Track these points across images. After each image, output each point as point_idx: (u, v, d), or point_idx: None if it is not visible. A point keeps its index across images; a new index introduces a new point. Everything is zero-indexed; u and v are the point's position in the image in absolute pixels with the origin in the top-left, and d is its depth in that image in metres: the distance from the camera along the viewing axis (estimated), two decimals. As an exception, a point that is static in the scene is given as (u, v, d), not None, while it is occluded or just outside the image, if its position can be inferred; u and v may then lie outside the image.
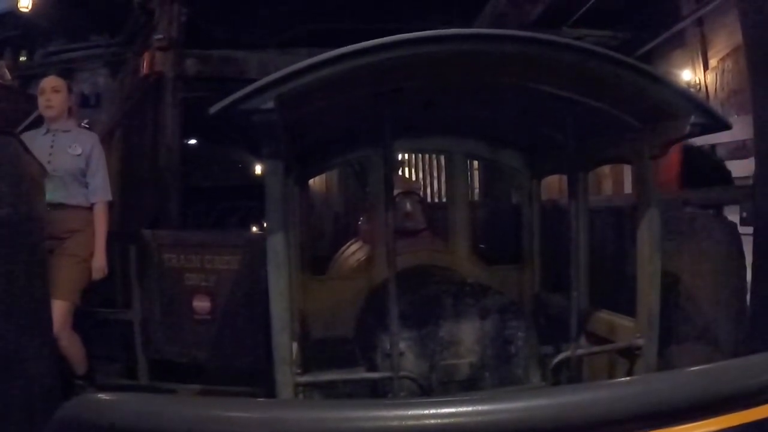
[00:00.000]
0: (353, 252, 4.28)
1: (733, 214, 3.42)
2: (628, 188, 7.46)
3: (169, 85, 6.97)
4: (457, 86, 2.66)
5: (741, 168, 5.93)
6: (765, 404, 1.06)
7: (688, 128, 2.29)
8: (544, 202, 3.98)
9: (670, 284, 2.91)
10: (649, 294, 2.56)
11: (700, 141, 6.25)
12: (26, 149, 2.50)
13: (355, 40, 2.06)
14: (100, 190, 3.55)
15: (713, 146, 7.03)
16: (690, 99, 2.39)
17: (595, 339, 2.93)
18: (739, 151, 6.54)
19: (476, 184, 7.85)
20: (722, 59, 7.21)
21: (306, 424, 1.00)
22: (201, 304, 4.23)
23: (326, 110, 2.44)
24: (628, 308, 2.71)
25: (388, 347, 2.52)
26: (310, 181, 4.37)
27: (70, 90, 3.73)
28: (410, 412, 0.99)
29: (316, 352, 3.06)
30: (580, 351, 2.67)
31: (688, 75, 7.78)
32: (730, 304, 2.92)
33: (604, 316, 2.95)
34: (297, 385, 2.37)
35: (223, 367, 4.15)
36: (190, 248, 4.28)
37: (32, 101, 3.86)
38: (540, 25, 6.67)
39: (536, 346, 2.82)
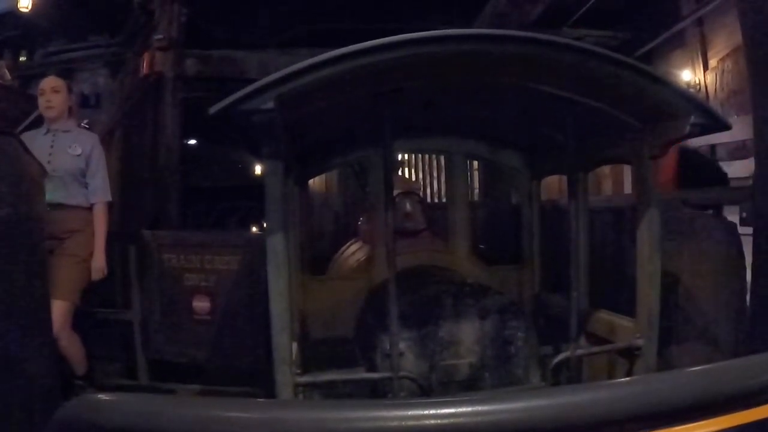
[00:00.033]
0: (353, 252, 4.28)
1: (732, 215, 3.42)
2: (627, 188, 7.47)
3: (168, 85, 6.97)
4: (457, 86, 2.66)
5: (741, 168, 5.94)
6: (765, 404, 1.06)
7: (687, 128, 2.30)
8: (544, 202, 3.98)
9: (669, 284, 2.91)
10: (648, 294, 2.56)
11: (698, 142, 6.27)
12: (26, 149, 2.50)
13: (355, 41, 2.06)
14: (99, 191, 3.56)
15: (713, 146, 7.04)
16: (690, 99, 2.39)
17: (595, 339, 2.93)
18: (738, 151, 6.54)
19: (476, 184, 7.85)
20: (722, 59, 7.22)
21: (306, 424, 1.00)
22: (201, 304, 4.22)
23: (326, 110, 2.44)
24: (628, 308, 2.71)
25: (388, 347, 2.52)
26: (310, 181, 4.37)
27: (69, 90, 3.73)
28: (410, 413, 0.99)
29: (316, 353, 3.07)
30: (579, 351, 2.67)
31: (687, 75, 7.78)
32: (730, 304, 2.92)
33: (604, 316, 2.95)
34: (297, 385, 2.37)
35: (222, 368, 4.15)
36: (189, 248, 4.28)
37: (32, 101, 3.86)
38: (540, 26, 6.67)
39: (536, 347, 2.82)
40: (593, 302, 3.07)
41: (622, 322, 2.77)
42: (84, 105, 7.91)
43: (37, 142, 3.32)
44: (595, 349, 2.82)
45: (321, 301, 3.50)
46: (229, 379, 3.95)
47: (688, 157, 4.44)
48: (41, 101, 3.59)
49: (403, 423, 0.98)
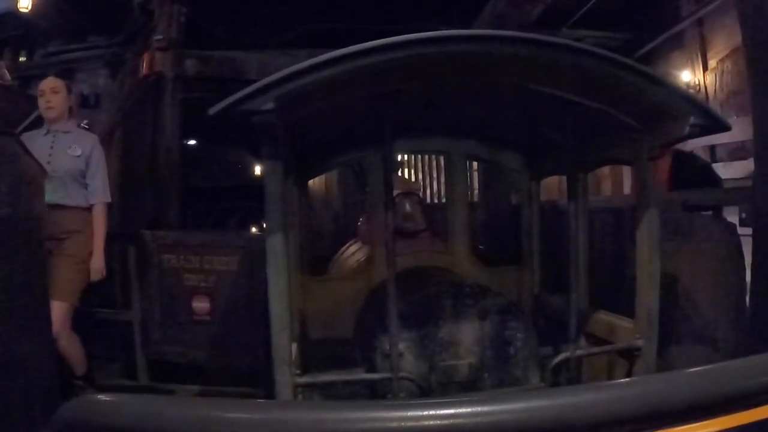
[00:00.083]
0: (353, 253, 4.29)
1: (732, 215, 3.43)
2: (627, 189, 7.47)
3: (168, 86, 6.96)
4: (457, 87, 2.66)
5: (741, 169, 5.95)
6: (765, 404, 1.06)
7: (687, 129, 2.29)
8: (544, 202, 3.98)
9: (669, 285, 2.91)
10: (648, 295, 2.56)
11: (698, 143, 6.27)
12: (26, 150, 2.50)
13: (355, 41, 2.06)
14: (99, 192, 3.56)
15: (713, 147, 7.04)
16: (689, 100, 2.39)
17: (595, 340, 2.93)
18: (738, 152, 6.54)
19: (476, 184, 7.84)
20: (721, 60, 7.22)
21: (305, 425, 1.00)
22: (200, 304, 4.23)
23: (326, 111, 2.44)
24: (628, 309, 2.71)
25: (388, 348, 2.52)
26: (310, 182, 4.37)
27: (69, 90, 3.73)
28: (409, 414, 0.99)
29: (316, 353, 3.06)
30: (579, 352, 2.67)
31: (687, 76, 7.78)
32: (730, 304, 2.92)
33: (604, 316, 2.95)
34: (296, 385, 2.37)
35: (222, 368, 4.15)
36: (189, 249, 4.28)
37: (32, 101, 3.86)
38: (540, 26, 6.66)
39: (535, 347, 2.82)
40: (593, 303, 3.07)
41: (622, 322, 2.77)
42: (84, 105, 7.90)
43: (37, 142, 3.32)
44: (595, 349, 2.82)
45: (321, 301, 3.50)
46: (228, 380, 3.95)
47: (683, 160, 4.45)
48: (41, 102, 3.59)
49: (403, 424, 0.98)
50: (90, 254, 3.47)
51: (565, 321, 2.65)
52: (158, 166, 6.85)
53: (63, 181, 3.42)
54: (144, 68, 7.05)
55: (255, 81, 2.07)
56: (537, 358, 2.81)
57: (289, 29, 8.18)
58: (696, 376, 1.17)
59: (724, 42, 7.07)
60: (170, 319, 4.29)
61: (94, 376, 3.66)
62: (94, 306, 4.10)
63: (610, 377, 2.77)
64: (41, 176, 2.76)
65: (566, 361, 2.61)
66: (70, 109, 3.67)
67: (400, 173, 9.06)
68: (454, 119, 3.42)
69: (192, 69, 7.21)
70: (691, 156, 5.13)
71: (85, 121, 5.42)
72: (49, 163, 3.27)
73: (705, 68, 7.56)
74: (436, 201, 9.04)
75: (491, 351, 2.70)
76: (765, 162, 2.94)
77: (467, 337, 2.68)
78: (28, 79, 7.99)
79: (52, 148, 3.47)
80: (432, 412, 0.98)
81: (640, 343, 2.56)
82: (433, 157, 9.07)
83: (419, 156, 9.73)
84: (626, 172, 7.33)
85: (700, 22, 7.58)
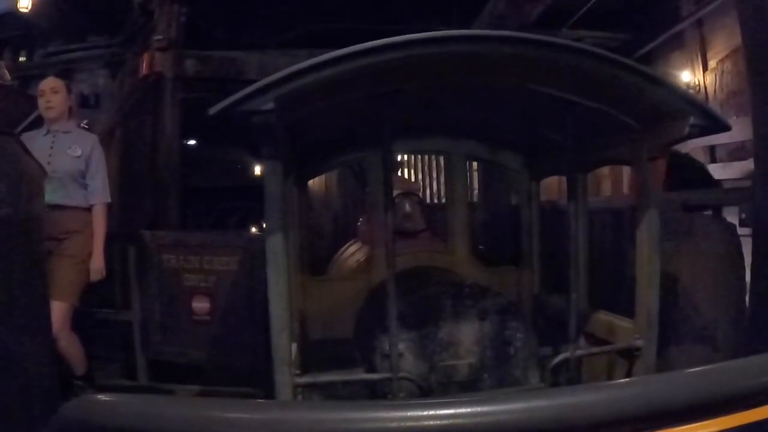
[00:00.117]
0: (352, 253, 4.29)
1: (732, 216, 3.42)
2: (627, 189, 7.46)
3: (168, 86, 6.96)
4: (456, 87, 2.66)
5: (740, 169, 5.95)
6: (765, 405, 1.06)
7: (687, 129, 2.30)
8: (544, 203, 3.98)
9: (669, 285, 2.91)
10: (648, 295, 2.56)
11: (698, 143, 6.28)
12: (26, 150, 2.50)
13: (355, 41, 2.06)
14: (99, 192, 3.56)
15: (713, 147, 7.04)
16: (689, 100, 2.39)
17: (594, 340, 2.93)
18: (738, 152, 6.54)
19: (476, 184, 7.84)
20: (721, 60, 7.21)
21: (305, 425, 1.00)
22: (200, 304, 4.23)
23: (326, 111, 2.44)
24: (628, 309, 2.71)
25: (387, 348, 2.52)
26: (310, 182, 4.37)
27: (69, 90, 3.73)
28: (409, 414, 1.00)
29: (316, 353, 3.06)
30: (579, 352, 2.67)
31: (687, 76, 7.77)
32: (729, 305, 2.92)
33: (603, 317, 2.95)
34: (296, 386, 2.37)
35: (222, 368, 4.15)
36: (189, 249, 4.28)
37: (32, 101, 3.86)
38: (539, 27, 6.66)
39: (535, 348, 2.82)
40: (592, 303, 3.07)
41: (622, 322, 2.77)
42: (84, 105, 7.89)
43: (37, 142, 3.32)
44: (595, 349, 2.82)
45: (320, 301, 3.50)
46: (228, 380, 3.95)
47: (679, 161, 4.45)
48: (41, 102, 3.59)
49: (402, 424, 0.98)
50: (90, 254, 3.47)
51: (565, 321, 2.65)
52: (158, 166, 6.85)
53: (63, 181, 3.42)
54: (144, 68, 7.05)
55: (255, 81, 2.07)
56: (537, 358, 2.81)
57: (289, 29, 8.18)
58: (696, 376, 1.17)
59: (724, 42, 7.07)
60: (170, 319, 4.29)
61: (94, 376, 3.66)
62: (94, 306, 4.10)
63: (610, 377, 2.77)
64: (41, 176, 2.76)
65: (566, 361, 2.61)
66: (70, 109, 3.67)
67: (399, 173, 9.05)
68: (454, 119, 3.42)
69: (192, 69, 7.21)
70: (687, 157, 5.13)
71: (85, 121, 5.42)
72: (49, 163, 3.26)
73: (705, 68, 7.55)
74: (436, 201, 9.04)
75: (491, 351, 2.70)
76: (765, 162, 2.94)
77: (467, 337, 2.69)
78: (28, 79, 7.99)
79: (52, 148, 3.46)
80: (432, 412, 0.99)
81: (639, 343, 2.56)
82: (433, 157, 9.07)
83: (419, 156, 9.73)
84: (626, 172, 7.32)
85: (699, 23, 7.58)
